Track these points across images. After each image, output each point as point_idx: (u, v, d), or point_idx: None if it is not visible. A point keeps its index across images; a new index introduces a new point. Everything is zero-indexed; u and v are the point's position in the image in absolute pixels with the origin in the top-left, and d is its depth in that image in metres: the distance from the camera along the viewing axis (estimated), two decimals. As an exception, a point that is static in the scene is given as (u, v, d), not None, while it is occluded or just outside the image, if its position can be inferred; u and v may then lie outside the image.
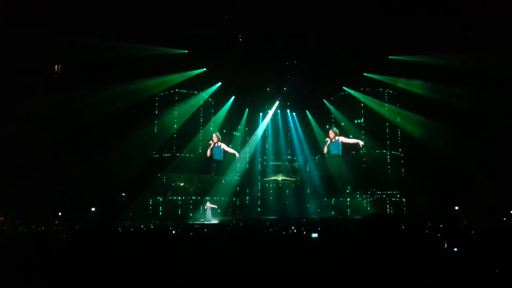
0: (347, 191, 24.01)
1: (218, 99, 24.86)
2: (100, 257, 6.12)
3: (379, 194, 23.05)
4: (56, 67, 20.49)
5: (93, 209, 20.58)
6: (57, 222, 17.48)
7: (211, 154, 21.95)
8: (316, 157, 26.02)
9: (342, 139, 21.62)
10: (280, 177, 26.60)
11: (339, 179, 24.17)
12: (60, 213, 19.13)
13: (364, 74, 22.92)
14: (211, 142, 21.91)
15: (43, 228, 13.02)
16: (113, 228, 13.00)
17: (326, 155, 23.76)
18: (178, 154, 23.09)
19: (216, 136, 22.36)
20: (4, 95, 17.23)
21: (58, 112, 19.06)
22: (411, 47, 19.24)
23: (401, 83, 22.19)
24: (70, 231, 11.26)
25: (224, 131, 24.64)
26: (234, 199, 25.78)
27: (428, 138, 22.00)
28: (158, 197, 22.68)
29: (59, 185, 19.15)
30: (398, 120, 23.18)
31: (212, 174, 24.35)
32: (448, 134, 20.86)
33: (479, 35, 17.97)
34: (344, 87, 24.39)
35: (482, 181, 18.98)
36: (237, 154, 22.88)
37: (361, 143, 21.29)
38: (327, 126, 24.73)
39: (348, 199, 23.99)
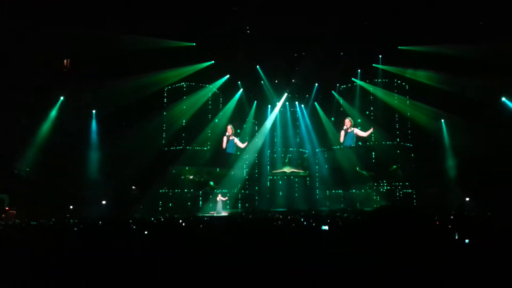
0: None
1: (226, 92, 24.87)
2: (111, 250, 6.17)
3: (389, 185, 22.96)
4: (65, 61, 20.60)
5: (103, 202, 20.78)
6: (68, 215, 17.67)
7: (225, 147, 22.06)
8: (325, 149, 25.92)
9: (357, 131, 21.55)
10: (288, 169, 26.55)
11: (349, 171, 24.08)
12: (71, 207, 19.35)
13: (373, 65, 22.74)
14: (227, 133, 21.99)
15: (53, 221, 13.16)
16: (124, 220, 13.10)
17: (339, 146, 23.70)
18: (188, 148, 23.17)
19: (231, 128, 22.42)
20: (14, 92, 17.39)
21: (70, 106, 19.25)
22: (421, 37, 19.01)
23: (409, 73, 21.99)
24: (81, 224, 11.36)
25: (234, 124, 24.66)
26: (243, 191, 25.83)
27: (438, 129, 21.85)
28: (168, 190, 22.81)
29: (70, 178, 19.39)
30: (408, 111, 22.98)
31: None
32: (459, 125, 20.72)
33: (490, 23, 17.69)
34: (353, 78, 24.21)
35: (494, 172, 18.77)
36: (246, 143, 22.84)
37: (370, 130, 21.21)
38: (332, 118, 24.74)
39: (357, 191, 23.93)
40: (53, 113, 19.64)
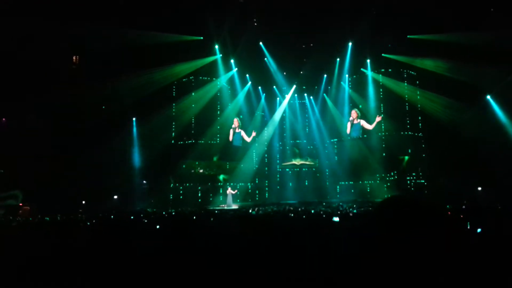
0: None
1: (235, 85, 24.84)
2: (123, 244, 6.22)
3: (400, 176, 22.82)
4: (74, 58, 20.71)
5: (115, 197, 20.97)
6: (81, 210, 17.87)
7: (232, 140, 22.08)
8: (335, 140, 25.81)
9: (363, 123, 21.41)
10: (298, 161, 26.49)
11: (359, 162, 23.97)
12: (83, 202, 19.55)
13: (382, 55, 22.51)
14: (234, 126, 22.00)
15: (66, 216, 13.30)
16: (136, 214, 13.21)
17: (348, 138, 23.59)
18: (200, 141, 23.25)
19: (237, 121, 22.41)
20: (23, 87, 17.53)
21: (77, 103, 19.35)
22: (430, 25, 18.77)
23: (418, 63, 21.71)
24: (94, 219, 11.48)
25: (241, 116, 24.72)
26: (253, 184, 25.86)
27: (449, 118, 21.61)
28: (179, 184, 22.94)
29: (81, 173, 19.60)
30: (419, 101, 22.69)
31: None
32: (470, 114, 20.51)
33: (502, 10, 17.39)
34: (362, 69, 24.01)
35: (505, 161, 18.58)
36: (253, 133, 22.73)
37: (378, 118, 21.01)
38: (338, 111, 24.63)
39: (368, 182, 23.83)
40: (61, 108, 19.62)
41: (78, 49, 20.07)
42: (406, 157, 22.94)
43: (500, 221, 6.49)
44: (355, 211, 12.20)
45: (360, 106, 23.75)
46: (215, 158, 24.10)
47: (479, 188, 19.78)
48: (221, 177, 24.11)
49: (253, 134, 22.63)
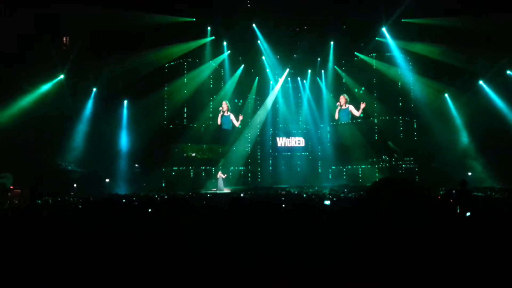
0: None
1: (227, 68, 24.61)
2: (116, 227, 6.23)
3: (392, 161, 22.93)
4: (64, 39, 20.36)
5: (107, 180, 20.87)
6: (72, 193, 17.79)
7: (221, 123, 21.98)
8: (327, 125, 25.84)
9: (352, 108, 21.47)
10: (291, 145, 26.53)
11: (351, 146, 24.05)
12: (75, 185, 19.45)
13: (376, 38, 22.38)
14: (220, 108, 21.82)
15: (58, 199, 13.28)
16: (128, 198, 13.21)
17: (339, 122, 23.65)
18: (191, 125, 23.13)
19: (226, 104, 22.26)
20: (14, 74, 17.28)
21: (68, 83, 19.14)
22: (424, 9, 18.64)
23: (411, 47, 21.60)
24: (85, 202, 11.47)
25: (236, 100, 24.53)
26: (245, 168, 25.87)
27: (442, 103, 21.68)
28: (171, 167, 22.88)
29: (73, 156, 19.49)
30: (411, 85, 22.70)
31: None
32: (462, 99, 20.62)
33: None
34: (356, 53, 23.88)
35: (496, 145, 18.76)
36: (240, 117, 22.70)
37: (362, 105, 21.03)
38: (331, 94, 24.66)
39: (360, 167, 23.96)
40: (46, 88, 19.22)
41: (68, 30, 19.69)
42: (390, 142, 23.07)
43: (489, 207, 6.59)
44: (347, 195, 12.30)
45: (356, 90, 23.77)
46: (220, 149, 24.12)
47: (470, 174, 19.94)
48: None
49: (240, 117, 22.61)
